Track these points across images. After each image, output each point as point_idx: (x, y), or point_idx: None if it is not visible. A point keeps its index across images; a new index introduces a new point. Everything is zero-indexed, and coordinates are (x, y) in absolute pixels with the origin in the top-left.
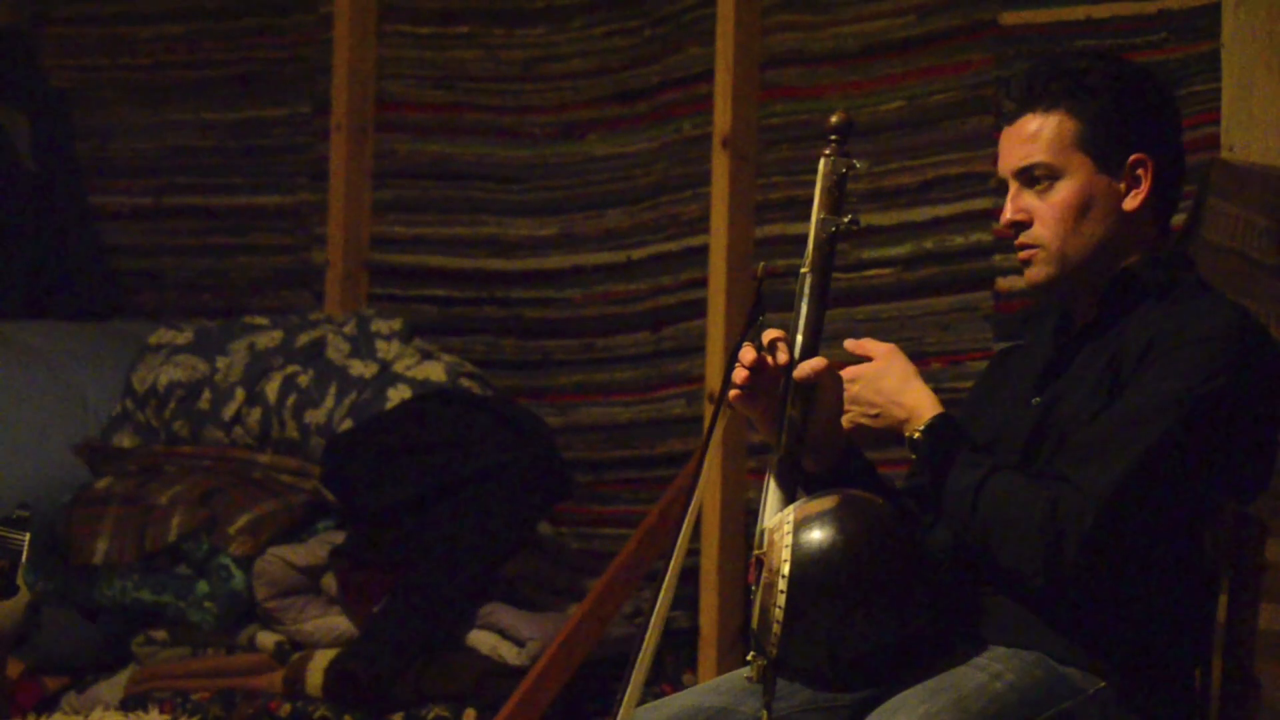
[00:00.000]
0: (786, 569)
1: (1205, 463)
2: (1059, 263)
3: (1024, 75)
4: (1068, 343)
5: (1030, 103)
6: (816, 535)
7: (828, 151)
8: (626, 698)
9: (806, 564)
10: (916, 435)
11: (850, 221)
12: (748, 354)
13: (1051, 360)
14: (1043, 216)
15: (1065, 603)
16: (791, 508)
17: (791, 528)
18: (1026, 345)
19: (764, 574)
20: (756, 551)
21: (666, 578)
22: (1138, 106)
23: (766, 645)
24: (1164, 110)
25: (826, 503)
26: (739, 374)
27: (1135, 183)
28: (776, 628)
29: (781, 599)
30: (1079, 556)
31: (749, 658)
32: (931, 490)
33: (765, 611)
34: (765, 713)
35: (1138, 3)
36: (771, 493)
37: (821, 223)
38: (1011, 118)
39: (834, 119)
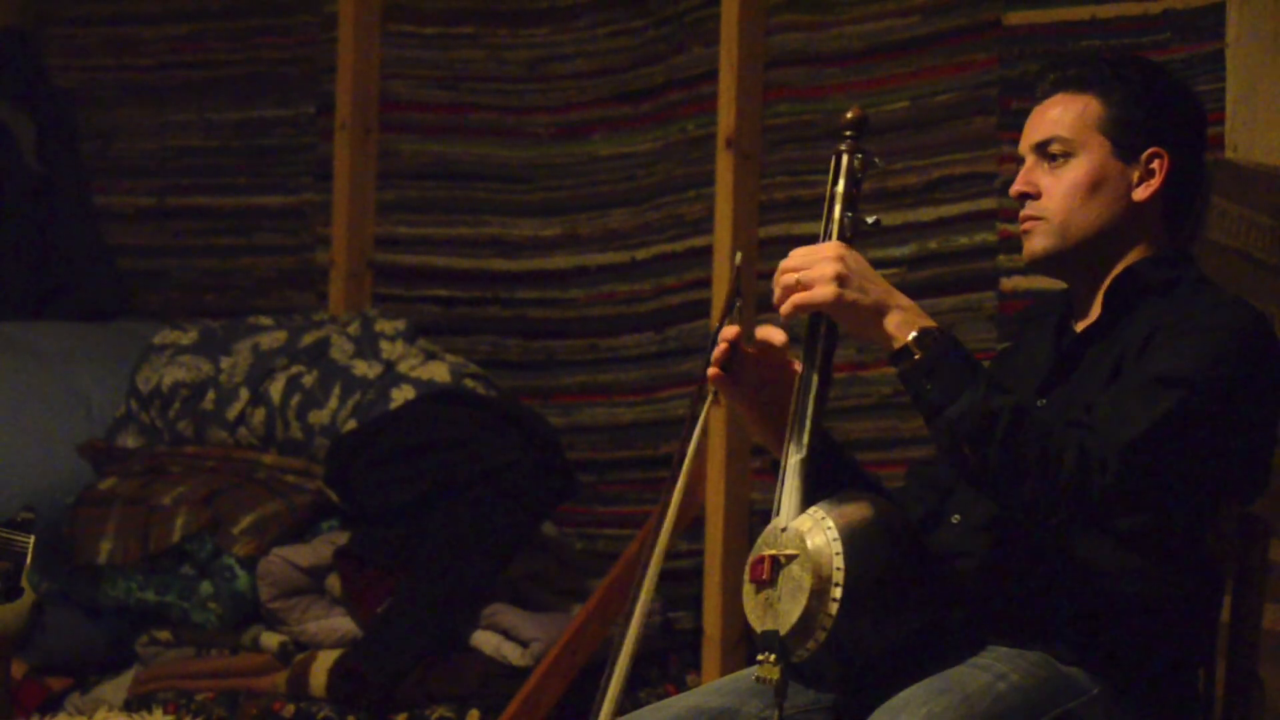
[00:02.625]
0: (840, 577)
1: (1211, 444)
2: (1060, 235)
3: (1059, 61)
4: (1072, 344)
5: (1062, 85)
6: (867, 548)
7: (843, 147)
8: (606, 704)
9: (861, 576)
10: (926, 328)
11: (874, 222)
12: (730, 330)
13: (1056, 361)
14: (1051, 190)
15: (1069, 598)
16: (823, 513)
17: (838, 535)
18: (1026, 345)
19: (794, 577)
20: (770, 551)
21: (647, 578)
22: (1165, 103)
23: (796, 649)
24: (1189, 114)
25: (864, 510)
26: (719, 349)
27: (1148, 175)
28: (823, 635)
29: (834, 608)
30: (1103, 496)
31: (761, 658)
32: (936, 390)
33: (808, 618)
34: (776, 713)
35: (1142, 2)
36: (789, 490)
37: (851, 221)
38: (1041, 98)
39: (850, 114)
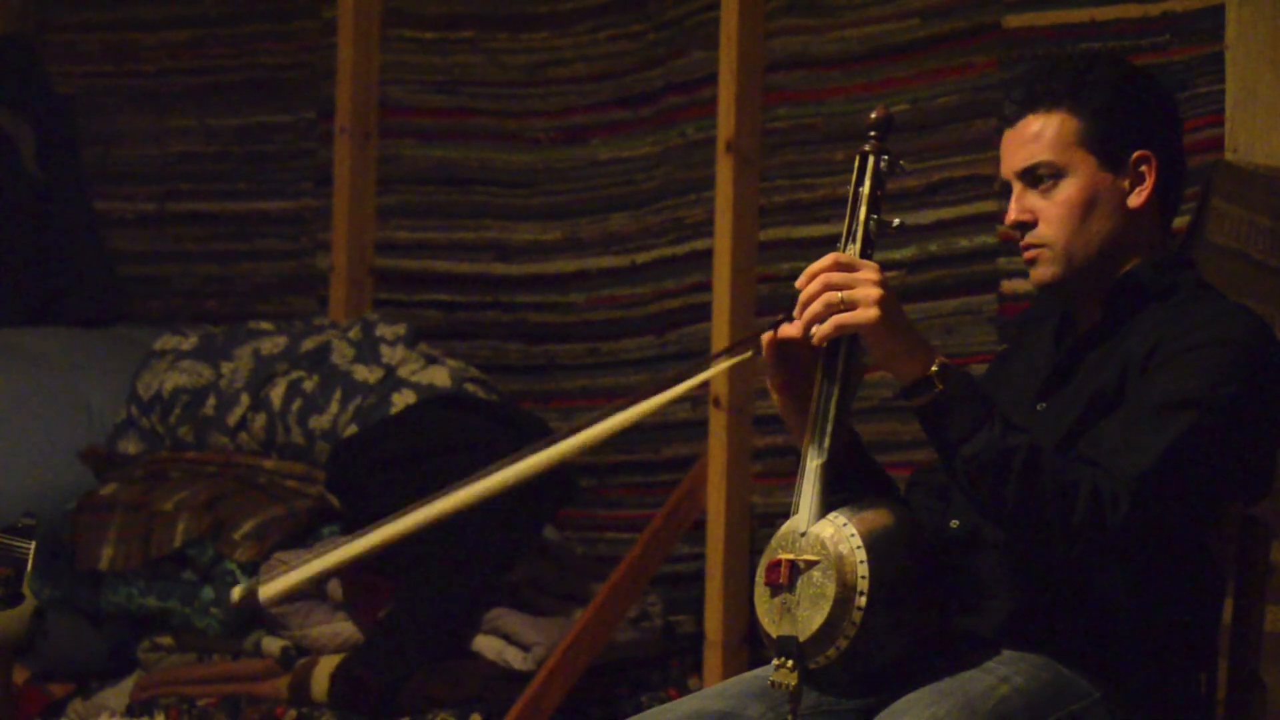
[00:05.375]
0: (865, 585)
1: (1223, 462)
2: (1066, 261)
3: (1023, 77)
4: (1072, 348)
5: (1031, 104)
6: (889, 556)
7: (868, 148)
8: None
9: (883, 584)
10: (944, 362)
11: (898, 226)
12: (793, 329)
13: (1056, 366)
14: (1048, 216)
15: (1070, 601)
16: (845, 519)
17: (861, 543)
18: (1024, 349)
19: (815, 583)
20: (788, 555)
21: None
22: (1139, 103)
23: (814, 656)
24: (1165, 108)
25: (885, 517)
26: (779, 329)
27: (1139, 179)
28: (845, 643)
29: (858, 616)
30: (1117, 530)
31: (777, 662)
32: (954, 426)
33: (830, 626)
34: (790, 718)
35: (1141, 5)
36: (808, 494)
37: (876, 224)
38: (1012, 120)
39: (875, 114)
